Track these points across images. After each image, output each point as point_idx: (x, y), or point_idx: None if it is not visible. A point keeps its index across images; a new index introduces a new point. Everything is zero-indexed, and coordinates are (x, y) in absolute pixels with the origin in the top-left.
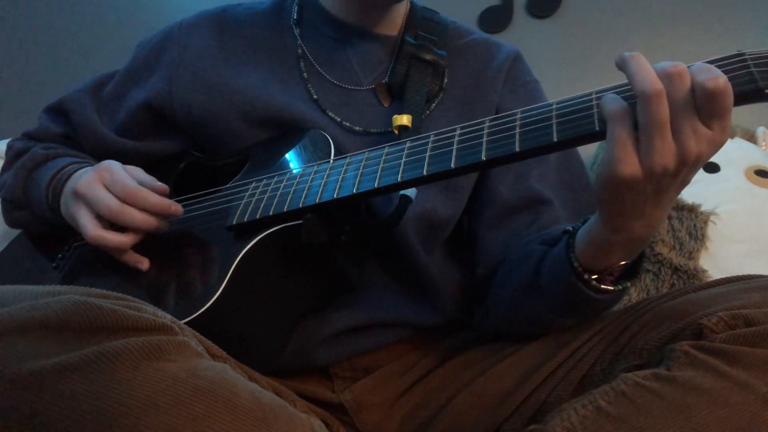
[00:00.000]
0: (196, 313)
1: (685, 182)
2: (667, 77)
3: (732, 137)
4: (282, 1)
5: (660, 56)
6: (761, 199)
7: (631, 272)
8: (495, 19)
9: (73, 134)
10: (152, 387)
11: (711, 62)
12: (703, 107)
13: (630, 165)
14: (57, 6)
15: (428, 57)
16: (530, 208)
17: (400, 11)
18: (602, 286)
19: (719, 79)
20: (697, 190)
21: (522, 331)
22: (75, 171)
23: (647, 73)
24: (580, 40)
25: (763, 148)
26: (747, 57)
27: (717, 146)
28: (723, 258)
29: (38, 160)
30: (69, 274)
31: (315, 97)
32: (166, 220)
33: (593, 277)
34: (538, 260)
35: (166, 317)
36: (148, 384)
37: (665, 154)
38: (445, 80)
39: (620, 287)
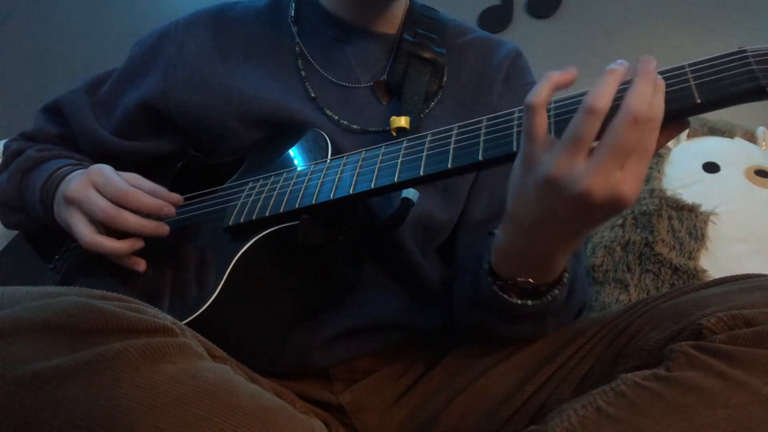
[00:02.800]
0: (193, 315)
1: (579, 231)
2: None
3: (732, 137)
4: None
5: (659, 56)
6: (761, 199)
7: (540, 293)
8: (495, 19)
9: (69, 134)
10: (153, 388)
11: (712, 60)
12: None
13: (529, 158)
14: (56, 6)
15: (427, 55)
16: (495, 222)
17: (399, 9)
18: (499, 294)
19: (654, 110)
20: (697, 190)
21: (487, 342)
22: (67, 174)
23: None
24: (580, 40)
25: (763, 148)
26: (748, 54)
27: (613, 194)
28: (723, 258)
29: (32, 163)
30: (66, 275)
31: (313, 95)
32: (162, 225)
33: (497, 282)
34: (473, 271)
35: (167, 319)
36: (149, 385)
37: (560, 167)
38: (445, 79)
39: (519, 302)
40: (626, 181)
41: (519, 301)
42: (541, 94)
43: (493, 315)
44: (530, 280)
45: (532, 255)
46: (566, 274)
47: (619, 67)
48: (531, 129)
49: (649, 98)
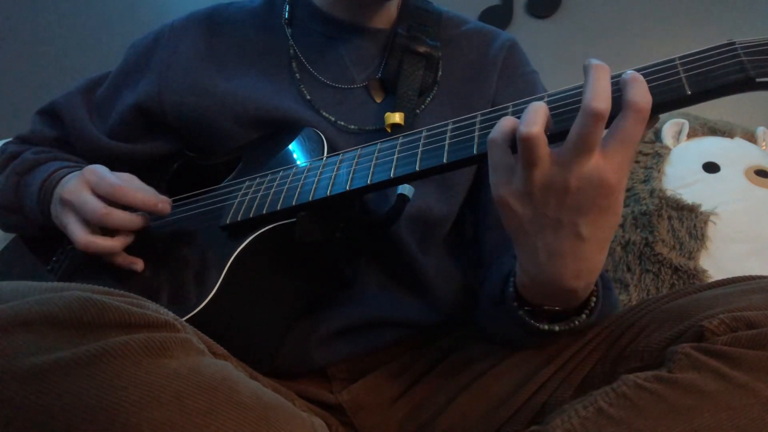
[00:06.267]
0: (190, 313)
1: (575, 229)
2: (583, 113)
3: (732, 137)
4: (272, 0)
5: (659, 55)
6: (761, 199)
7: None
8: (495, 19)
9: (65, 137)
10: (154, 383)
11: (701, 52)
12: (614, 127)
13: (502, 188)
14: (55, 7)
15: (421, 49)
16: None
17: (393, 4)
18: (530, 321)
19: (644, 102)
20: (697, 190)
21: (498, 340)
22: (63, 176)
23: (528, 118)
24: (580, 40)
25: (763, 148)
26: (737, 46)
27: (596, 181)
28: (723, 258)
29: (28, 165)
30: (64, 276)
31: (308, 98)
32: (153, 218)
33: (525, 307)
34: (506, 273)
35: (169, 314)
36: (151, 380)
37: (528, 182)
38: (440, 73)
39: (546, 327)
40: (607, 166)
41: (546, 327)
42: (537, 122)
43: (519, 330)
44: (557, 308)
45: (552, 286)
46: (593, 299)
47: (600, 65)
48: (535, 159)
49: (600, 90)
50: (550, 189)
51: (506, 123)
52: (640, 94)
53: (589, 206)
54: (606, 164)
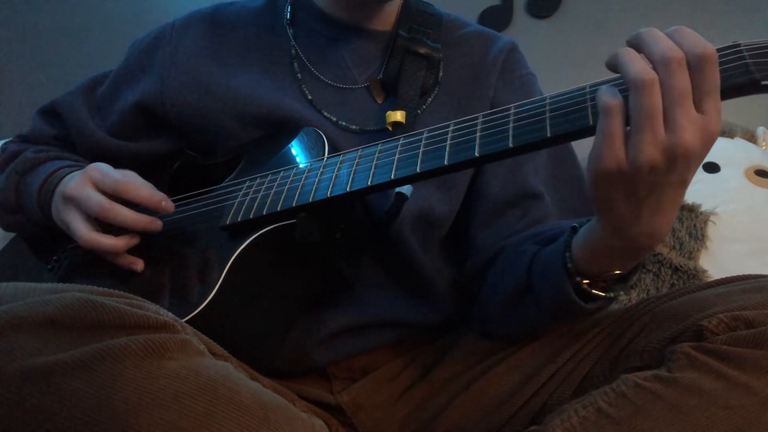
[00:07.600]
0: (191, 314)
1: (684, 182)
2: (664, 64)
3: (732, 137)
4: (274, 0)
5: None
6: (761, 199)
7: (624, 280)
8: (495, 19)
9: (66, 136)
10: (154, 384)
11: None
12: (695, 82)
13: (615, 160)
14: (56, 6)
15: (422, 50)
16: (520, 203)
17: (394, 6)
18: (593, 292)
19: (708, 46)
20: (697, 190)
21: (514, 334)
22: (65, 175)
23: (639, 62)
24: (580, 40)
25: (764, 148)
26: (742, 48)
27: (707, 136)
28: (723, 258)
29: (29, 164)
30: (64, 276)
31: (309, 97)
32: (157, 218)
33: (585, 281)
34: (530, 260)
35: (168, 315)
36: (150, 381)
37: (653, 147)
38: (440, 74)
39: (611, 295)
40: (711, 120)
41: (610, 294)
42: (616, 93)
43: (554, 309)
44: (617, 272)
45: (634, 248)
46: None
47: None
48: (612, 131)
49: (670, 41)
50: (669, 154)
51: (610, 89)
52: (664, 48)
53: (701, 160)
54: (709, 119)
